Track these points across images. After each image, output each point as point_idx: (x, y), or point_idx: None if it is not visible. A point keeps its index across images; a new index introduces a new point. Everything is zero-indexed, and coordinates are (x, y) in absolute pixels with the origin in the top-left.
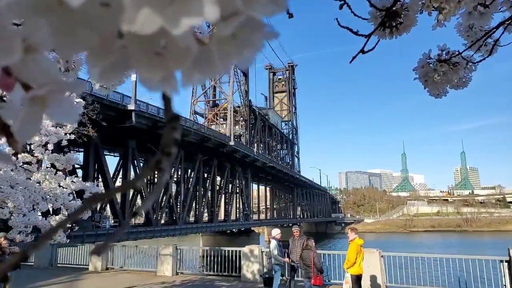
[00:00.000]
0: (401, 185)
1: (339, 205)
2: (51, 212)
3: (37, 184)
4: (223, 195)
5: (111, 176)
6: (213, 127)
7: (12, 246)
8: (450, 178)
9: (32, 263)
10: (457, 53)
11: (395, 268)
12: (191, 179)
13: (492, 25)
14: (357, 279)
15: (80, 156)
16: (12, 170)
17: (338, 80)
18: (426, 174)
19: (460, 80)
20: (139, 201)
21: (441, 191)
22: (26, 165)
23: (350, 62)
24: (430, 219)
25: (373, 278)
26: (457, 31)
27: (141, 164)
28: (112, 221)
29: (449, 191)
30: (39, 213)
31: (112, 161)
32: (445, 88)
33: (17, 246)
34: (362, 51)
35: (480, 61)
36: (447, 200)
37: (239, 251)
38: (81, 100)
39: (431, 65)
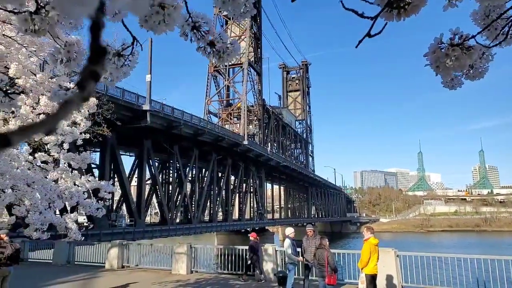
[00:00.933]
0: (418, 184)
1: (354, 205)
2: (68, 210)
3: (53, 182)
4: (237, 195)
5: (127, 176)
6: (227, 126)
7: (13, 242)
8: (468, 177)
9: (50, 261)
10: (470, 36)
11: (411, 268)
12: (205, 179)
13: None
14: (372, 279)
15: (96, 156)
16: (29, 169)
17: (353, 78)
18: (443, 173)
19: (476, 71)
20: (154, 200)
21: (459, 190)
22: (43, 164)
23: (356, 46)
24: (447, 218)
25: (388, 278)
26: (472, 19)
27: (156, 164)
28: (128, 220)
29: (468, 190)
30: (58, 212)
31: (127, 161)
32: (460, 79)
33: (17, 243)
34: (369, 34)
35: (496, 45)
36: (465, 199)
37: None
38: (94, 99)
39: (442, 50)
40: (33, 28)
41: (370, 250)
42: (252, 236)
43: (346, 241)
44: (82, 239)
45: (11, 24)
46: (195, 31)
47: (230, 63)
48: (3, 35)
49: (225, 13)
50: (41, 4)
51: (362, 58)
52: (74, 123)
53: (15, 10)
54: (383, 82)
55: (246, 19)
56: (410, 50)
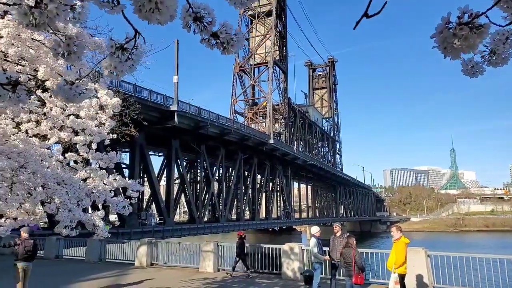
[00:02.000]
0: (450, 183)
1: (384, 204)
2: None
3: (81, 181)
4: (264, 194)
5: (156, 175)
6: (252, 125)
7: (28, 239)
8: (506, 175)
9: (83, 258)
10: (480, 13)
11: (443, 268)
12: (232, 178)
13: None
14: (401, 279)
15: (126, 156)
16: (58, 168)
17: (381, 74)
18: (478, 170)
19: (498, 56)
20: (183, 199)
21: (495, 189)
22: (73, 164)
23: (354, 28)
24: (483, 218)
25: (419, 278)
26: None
27: (184, 163)
28: (158, 219)
29: (506, 188)
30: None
31: (156, 161)
32: (481, 66)
33: (33, 240)
34: (366, 14)
35: (510, 23)
36: (502, 198)
37: (279, 249)
38: (118, 99)
39: (450, 30)
40: (33, 22)
41: (405, 249)
42: (239, 234)
43: (376, 241)
44: (109, 236)
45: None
46: (197, 22)
47: (255, 62)
48: (32, 39)
49: (250, 12)
50: None
51: (392, 53)
52: (102, 124)
53: (15, 3)
54: (413, 77)
55: (271, 17)
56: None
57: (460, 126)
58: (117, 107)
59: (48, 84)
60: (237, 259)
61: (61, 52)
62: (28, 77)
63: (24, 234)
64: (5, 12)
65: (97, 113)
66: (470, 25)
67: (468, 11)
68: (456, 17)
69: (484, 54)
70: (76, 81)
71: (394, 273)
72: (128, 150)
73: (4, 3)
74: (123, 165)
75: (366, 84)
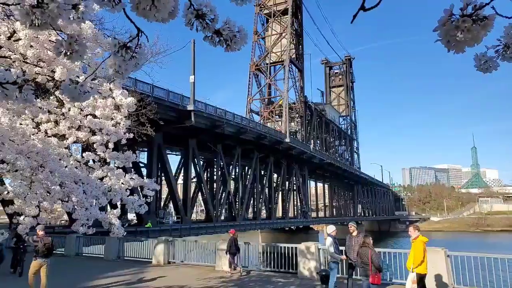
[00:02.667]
0: (472, 181)
1: (403, 203)
2: (118, 206)
3: (98, 180)
4: (280, 192)
5: (174, 174)
6: (268, 124)
7: (46, 236)
8: None
9: (102, 255)
10: (484, 4)
11: (463, 269)
12: (248, 176)
13: None
14: (421, 279)
15: (144, 156)
16: (76, 167)
17: (399, 72)
18: (501, 169)
19: None
20: (200, 198)
21: None
22: (90, 163)
23: (351, 22)
24: (506, 217)
25: (438, 279)
26: None
27: (201, 162)
28: (175, 218)
29: None
30: (109, 208)
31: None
32: (495, 61)
33: (50, 237)
34: (363, 7)
35: None
36: None
37: (296, 248)
38: (133, 98)
39: (453, 22)
40: (36, 22)
41: (423, 248)
42: (231, 233)
43: (395, 240)
44: (125, 234)
45: (54, 30)
46: (200, 20)
47: (271, 61)
48: (50, 40)
49: (266, 11)
50: None
51: (410, 51)
52: (117, 123)
53: (15, 2)
54: (433, 75)
55: (287, 16)
56: None
57: (482, 124)
58: (132, 107)
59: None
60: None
61: (64, 51)
62: (47, 78)
63: (40, 232)
64: None
65: (112, 112)
66: (473, 17)
67: (471, 2)
68: (459, 9)
69: (497, 48)
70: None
71: (412, 272)
72: (146, 149)
73: (3, 3)
74: (141, 165)
75: (385, 82)
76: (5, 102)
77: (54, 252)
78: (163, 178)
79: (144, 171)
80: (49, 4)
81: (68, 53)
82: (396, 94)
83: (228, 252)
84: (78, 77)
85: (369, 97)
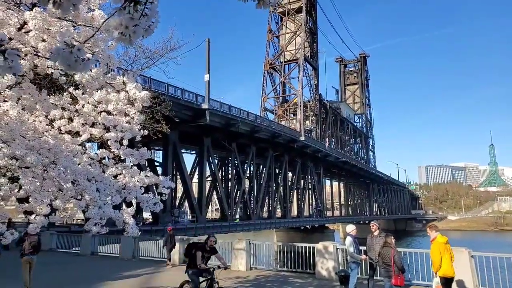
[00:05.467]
0: (490, 179)
1: (420, 201)
2: (134, 204)
3: (112, 178)
4: (295, 191)
5: (189, 173)
6: (283, 123)
7: (33, 235)
8: None
9: (117, 255)
10: None
11: (488, 270)
12: (263, 175)
13: None
14: (446, 282)
15: (159, 154)
16: (90, 164)
17: (416, 69)
18: None
19: None
20: (214, 196)
21: None
22: (104, 160)
23: None
24: None
25: (462, 281)
26: None
27: (216, 161)
28: (190, 216)
29: None
30: (124, 206)
31: (189, 159)
32: None
33: (38, 235)
34: None
35: None
36: None
37: (313, 247)
38: (147, 92)
39: None
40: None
41: (439, 249)
42: (169, 230)
43: (412, 239)
44: (139, 233)
45: (66, 20)
46: None
47: (285, 60)
48: (61, 32)
49: (280, 10)
50: None
51: (426, 47)
52: (131, 118)
53: None
54: (448, 73)
55: (301, 14)
56: (479, 36)
57: (499, 121)
58: (146, 101)
59: (76, 77)
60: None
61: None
62: (59, 73)
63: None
64: (33, 5)
65: (126, 107)
66: None
67: None
68: None
69: None
70: (94, 72)
71: (436, 277)
72: (162, 148)
73: None
74: (156, 163)
75: (401, 79)
76: (16, 95)
77: (68, 251)
78: (178, 177)
79: (159, 170)
80: None
81: (58, 0)
82: (412, 92)
83: (164, 247)
84: (91, 70)
85: (384, 95)
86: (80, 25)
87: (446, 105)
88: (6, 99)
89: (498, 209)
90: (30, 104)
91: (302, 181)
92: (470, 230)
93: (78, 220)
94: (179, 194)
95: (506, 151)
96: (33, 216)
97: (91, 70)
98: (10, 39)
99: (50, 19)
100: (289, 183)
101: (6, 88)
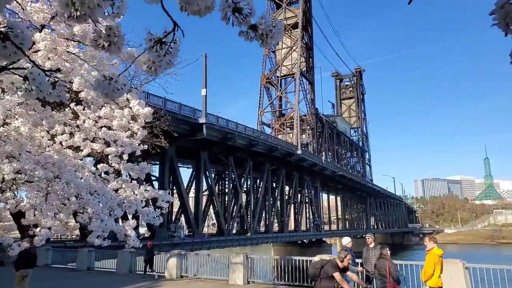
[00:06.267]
0: (485, 192)
1: (416, 215)
2: (129, 218)
3: (113, 192)
4: (293, 205)
5: (185, 187)
6: (280, 136)
7: (31, 248)
8: None
9: (114, 270)
10: None
11: (482, 282)
12: (260, 189)
13: None
14: None
15: (156, 169)
16: (91, 179)
17: (410, 85)
18: None
19: None
20: (211, 211)
21: None
22: (104, 175)
23: (409, 3)
24: None
25: None
26: None
27: (213, 175)
28: (187, 231)
29: None
30: (121, 221)
31: (185, 173)
32: None
33: (35, 249)
34: None
35: None
36: None
37: (310, 261)
38: (150, 109)
39: None
40: (74, 14)
41: (434, 261)
42: (149, 245)
43: (409, 253)
44: (140, 246)
45: (73, 41)
46: (236, 14)
47: (282, 74)
48: (68, 52)
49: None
50: None
51: (420, 63)
52: (132, 135)
53: None
54: (445, 86)
55: (297, 29)
56: (473, 51)
57: (493, 134)
58: (149, 117)
59: (82, 95)
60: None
61: (102, 43)
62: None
63: (26, 244)
64: (43, 26)
65: (129, 122)
66: None
67: None
68: None
69: None
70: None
71: (425, 286)
72: (158, 163)
73: None
74: (152, 178)
75: (397, 93)
76: (25, 111)
77: (64, 266)
78: (174, 191)
79: (155, 184)
80: None
81: (106, 45)
82: (408, 106)
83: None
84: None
85: (381, 109)
86: (87, 45)
87: (442, 119)
88: (16, 116)
89: (494, 222)
90: (36, 120)
91: (299, 195)
92: (467, 243)
93: (73, 236)
94: (175, 209)
95: (501, 164)
96: (38, 228)
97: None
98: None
99: (58, 39)
100: (286, 197)
101: (17, 105)
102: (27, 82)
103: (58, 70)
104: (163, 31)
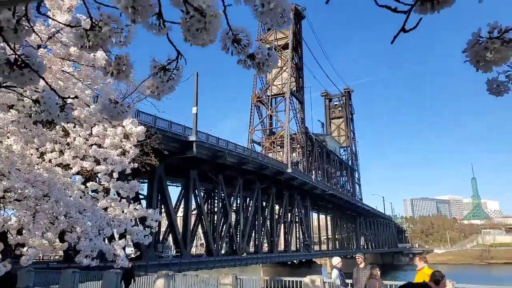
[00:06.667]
0: (473, 212)
1: (406, 235)
2: (116, 238)
3: (102, 210)
4: (283, 224)
5: (173, 206)
6: (270, 155)
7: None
8: None
9: None
10: (510, 28)
11: None
12: (250, 208)
13: None
14: None
15: (144, 187)
16: (80, 197)
17: (398, 105)
18: (502, 199)
19: None
20: (199, 231)
21: None
22: (93, 193)
23: (392, 42)
24: (510, 249)
25: None
26: None
27: (202, 194)
28: (174, 251)
29: None
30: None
31: (173, 192)
32: (507, 85)
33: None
34: (403, 29)
35: None
36: None
37: (300, 281)
38: (143, 127)
39: (482, 44)
40: (87, 44)
41: (424, 280)
42: (130, 263)
43: (399, 273)
44: (130, 265)
45: (69, 60)
46: (235, 44)
47: (272, 93)
48: (62, 71)
49: (267, 46)
50: (95, 22)
51: (408, 84)
52: (123, 153)
53: (72, 25)
54: (433, 107)
55: (287, 50)
56: (460, 71)
57: (481, 154)
58: (141, 135)
59: (75, 113)
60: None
61: (111, 71)
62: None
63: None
64: (39, 46)
65: (121, 141)
66: (501, 39)
67: (497, 26)
68: (486, 32)
69: (508, 74)
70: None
71: None
72: (146, 181)
73: (66, 24)
74: (140, 196)
75: (386, 114)
76: (17, 129)
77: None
78: (162, 209)
79: (143, 203)
80: (103, 27)
81: (115, 73)
82: (396, 126)
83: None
84: (89, 106)
85: (370, 129)
86: (82, 64)
87: (431, 139)
88: (8, 134)
89: (483, 242)
90: (28, 138)
91: (289, 214)
92: (457, 263)
93: (56, 257)
94: (163, 228)
95: (488, 184)
96: (25, 248)
97: (89, 106)
98: None
99: (54, 58)
100: (276, 216)
101: (10, 123)
102: (37, 104)
103: (76, 97)
104: (166, 58)
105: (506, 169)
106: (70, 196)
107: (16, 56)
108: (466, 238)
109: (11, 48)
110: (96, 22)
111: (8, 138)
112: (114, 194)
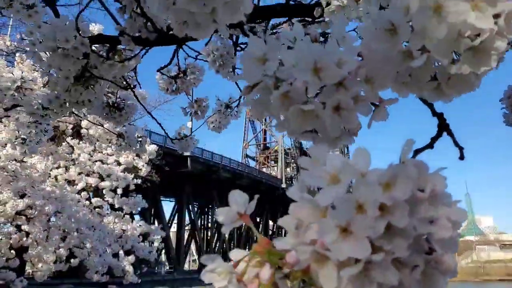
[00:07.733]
0: (468, 228)
1: None
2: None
3: (110, 226)
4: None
5: (167, 221)
6: (264, 170)
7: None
8: None
9: None
10: None
11: None
12: (243, 224)
13: None
14: None
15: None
16: (89, 214)
17: (394, 119)
18: (496, 215)
19: None
20: (193, 247)
21: None
22: (98, 209)
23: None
24: (505, 266)
25: None
26: None
27: (196, 209)
28: (168, 267)
29: None
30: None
31: (166, 207)
32: None
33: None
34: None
35: None
36: None
37: None
38: (155, 146)
39: None
40: (170, 88)
41: None
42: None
43: None
44: (139, 281)
45: None
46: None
47: None
48: None
49: None
50: (182, 70)
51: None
52: (139, 169)
53: (165, 75)
54: (422, 121)
55: None
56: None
57: (474, 171)
58: (153, 154)
59: (90, 132)
60: None
61: (192, 111)
62: (66, 125)
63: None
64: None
65: (133, 159)
66: None
67: None
68: None
69: None
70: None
71: None
72: (141, 195)
73: (163, 73)
74: (134, 212)
75: (380, 127)
76: (42, 148)
77: None
78: (156, 225)
79: (136, 218)
80: (189, 75)
81: (193, 112)
82: (392, 141)
83: None
84: (103, 126)
85: (363, 143)
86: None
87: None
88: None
89: (478, 259)
90: (43, 155)
91: (283, 230)
92: (452, 280)
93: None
94: (155, 244)
95: (481, 201)
96: (40, 264)
97: (103, 125)
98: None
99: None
100: (270, 232)
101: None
102: (121, 138)
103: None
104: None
105: (500, 184)
106: (79, 212)
107: (117, 99)
108: (461, 254)
109: (112, 94)
110: (183, 70)
111: (32, 156)
112: (116, 209)
